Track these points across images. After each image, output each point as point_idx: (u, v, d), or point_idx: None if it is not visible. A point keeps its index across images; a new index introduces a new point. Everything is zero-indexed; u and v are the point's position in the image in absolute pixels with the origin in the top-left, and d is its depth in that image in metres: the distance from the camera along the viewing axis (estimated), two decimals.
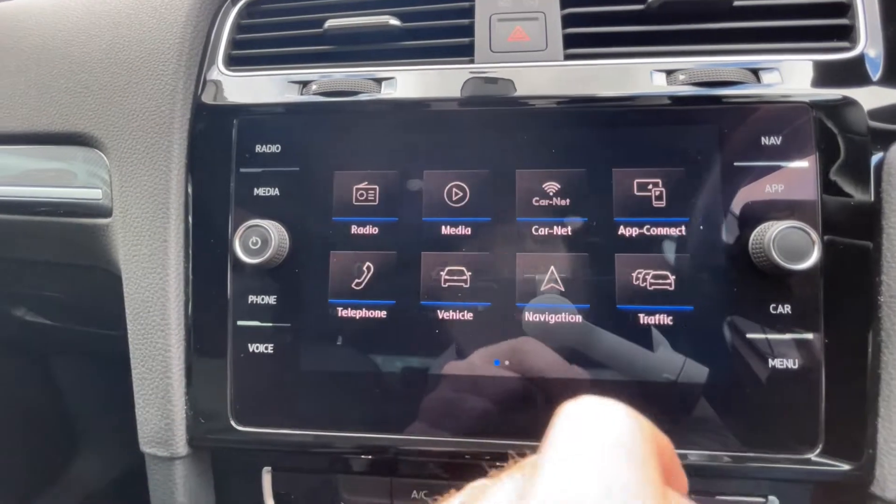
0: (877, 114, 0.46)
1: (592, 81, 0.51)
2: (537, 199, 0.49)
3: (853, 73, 0.48)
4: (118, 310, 0.56)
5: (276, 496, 0.56)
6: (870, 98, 0.47)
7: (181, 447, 0.53)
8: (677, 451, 0.45)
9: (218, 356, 0.52)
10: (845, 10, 0.51)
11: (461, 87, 0.52)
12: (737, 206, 0.47)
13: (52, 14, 0.65)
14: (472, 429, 0.48)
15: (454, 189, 0.50)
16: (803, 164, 0.47)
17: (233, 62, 0.59)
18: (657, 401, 0.46)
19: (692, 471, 0.46)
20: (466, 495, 0.26)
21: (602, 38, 0.53)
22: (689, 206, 0.47)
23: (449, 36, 0.55)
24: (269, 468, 0.56)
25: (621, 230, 0.48)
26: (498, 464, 0.28)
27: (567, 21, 0.54)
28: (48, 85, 0.61)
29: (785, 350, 0.45)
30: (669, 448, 0.27)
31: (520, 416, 0.48)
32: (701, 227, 0.47)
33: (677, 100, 0.49)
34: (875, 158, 0.46)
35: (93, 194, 0.59)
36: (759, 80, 0.49)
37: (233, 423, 0.52)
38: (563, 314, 0.48)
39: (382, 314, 0.50)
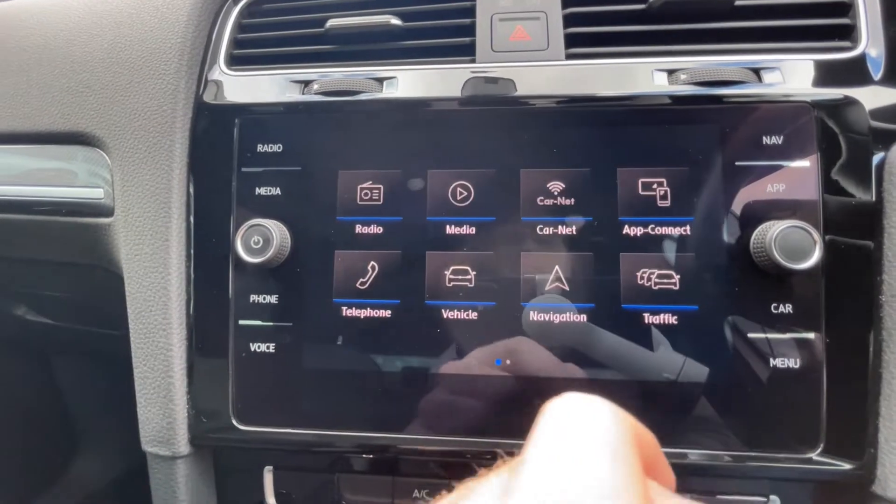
0: (878, 113, 0.47)
1: (594, 81, 0.51)
2: (542, 198, 0.49)
3: (854, 72, 0.48)
4: (119, 309, 0.56)
5: (277, 495, 0.56)
6: (871, 98, 0.47)
7: (183, 446, 0.53)
8: (678, 451, 0.46)
9: (219, 355, 0.52)
10: (846, 9, 0.51)
11: (462, 87, 0.52)
12: (738, 205, 0.47)
13: (54, 13, 0.65)
14: (475, 428, 0.48)
15: (458, 188, 0.50)
16: (805, 164, 0.47)
17: (234, 62, 0.59)
18: (658, 400, 0.46)
19: (693, 470, 0.47)
20: (456, 495, 0.26)
21: (603, 37, 0.53)
22: (693, 205, 0.47)
23: (450, 35, 0.55)
24: (271, 467, 0.56)
25: (626, 230, 0.48)
26: (488, 463, 0.29)
27: (568, 20, 0.54)
28: (50, 84, 0.61)
29: (786, 349, 0.45)
30: (653, 443, 0.28)
31: (522, 416, 0.48)
32: (704, 227, 0.47)
33: (679, 99, 0.49)
34: (876, 158, 0.46)
35: (94, 194, 0.59)
36: (760, 79, 0.49)
37: (234, 422, 0.52)
38: (565, 313, 0.48)
39: (387, 314, 0.50)
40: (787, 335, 0.45)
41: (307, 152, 0.53)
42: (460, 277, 0.49)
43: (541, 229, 0.49)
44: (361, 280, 0.50)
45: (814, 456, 0.45)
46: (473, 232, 0.50)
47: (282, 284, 0.52)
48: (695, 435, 0.46)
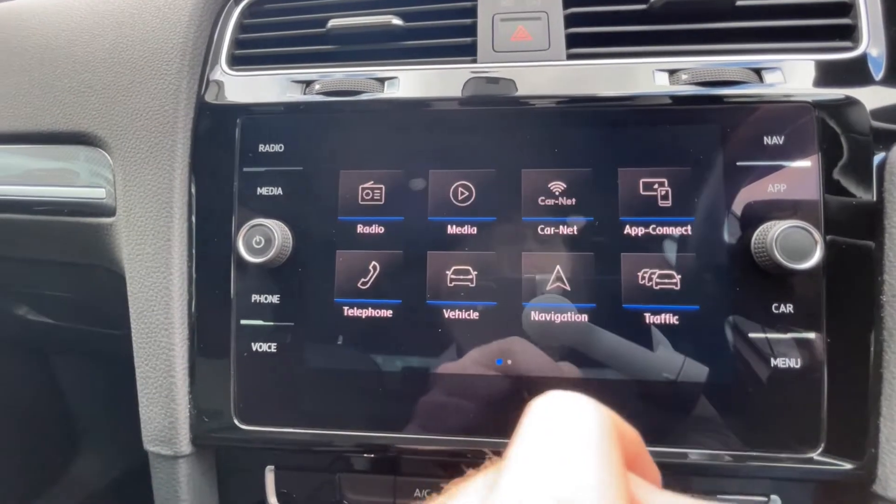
0: (879, 113, 0.47)
1: (595, 81, 0.51)
2: (543, 198, 0.49)
3: (856, 72, 0.48)
4: (121, 309, 0.56)
5: (279, 495, 0.56)
6: (872, 98, 0.47)
7: (185, 446, 0.53)
8: (679, 451, 0.46)
9: (221, 355, 0.52)
10: (848, 9, 0.51)
11: (463, 87, 0.52)
12: (739, 205, 0.47)
13: (56, 13, 0.65)
14: (475, 428, 0.48)
15: (460, 188, 0.50)
16: (806, 164, 0.47)
17: (236, 62, 0.59)
18: (659, 400, 0.46)
19: (694, 470, 0.47)
20: (445, 496, 0.27)
21: (604, 37, 0.53)
22: (694, 205, 0.48)
23: (451, 35, 0.55)
24: (273, 467, 0.56)
25: (627, 230, 0.48)
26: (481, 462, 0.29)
27: (569, 21, 0.54)
28: (52, 84, 0.61)
29: (787, 349, 0.45)
30: (636, 440, 0.28)
31: (522, 415, 0.48)
32: (705, 227, 0.47)
33: (680, 99, 0.49)
34: (877, 158, 0.46)
35: (96, 193, 0.59)
36: (761, 79, 0.49)
37: (236, 421, 0.52)
38: (566, 313, 0.48)
39: (388, 313, 0.50)
40: (788, 335, 0.45)
41: (309, 152, 0.53)
42: (461, 277, 0.49)
43: (542, 229, 0.49)
44: (363, 280, 0.51)
45: (814, 456, 0.45)
46: (475, 232, 0.50)
47: (283, 284, 0.52)
48: (695, 435, 0.46)
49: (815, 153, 0.47)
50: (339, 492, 0.55)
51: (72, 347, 1.15)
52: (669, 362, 0.46)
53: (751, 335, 0.46)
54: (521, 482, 0.23)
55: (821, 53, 0.49)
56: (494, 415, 0.48)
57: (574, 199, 0.49)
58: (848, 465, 0.45)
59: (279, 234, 0.50)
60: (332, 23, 0.56)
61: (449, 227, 0.50)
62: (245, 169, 0.54)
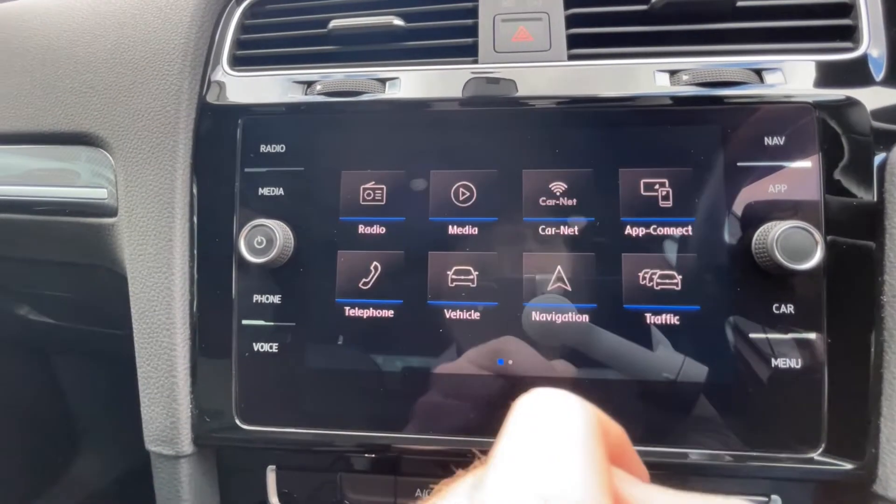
0: (880, 114, 0.47)
1: (596, 82, 0.51)
2: (544, 198, 0.49)
3: (856, 73, 0.48)
4: (122, 309, 0.56)
5: (280, 495, 0.56)
6: (873, 98, 0.47)
7: (186, 446, 0.53)
8: (680, 451, 0.46)
9: (223, 355, 0.53)
10: (848, 10, 0.51)
11: (464, 88, 0.52)
12: (740, 206, 0.47)
13: (57, 14, 0.65)
14: (476, 428, 0.48)
15: (461, 189, 0.51)
16: (806, 165, 0.47)
17: (237, 62, 0.59)
18: (660, 400, 0.47)
19: (694, 470, 0.47)
20: (434, 496, 0.27)
21: (606, 38, 0.53)
22: (695, 205, 0.48)
23: (453, 36, 0.55)
24: (274, 467, 0.56)
25: (628, 230, 0.48)
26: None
27: (571, 21, 0.54)
28: (53, 85, 0.61)
29: (788, 349, 0.45)
30: (622, 437, 0.28)
31: None
32: (706, 227, 0.47)
33: (680, 100, 0.49)
34: (878, 159, 0.46)
35: (98, 194, 0.59)
36: (762, 80, 0.49)
37: (238, 421, 0.52)
38: (566, 313, 0.48)
39: (390, 314, 0.50)
40: (789, 335, 0.46)
41: (310, 153, 0.53)
42: (463, 278, 0.49)
43: (543, 229, 0.49)
44: (364, 280, 0.51)
45: (815, 456, 0.45)
46: (476, 232, 0.50)
47: (285, 284, 0.52)
48: (696, 435, 0.46)
49: (816, 154, 0.47)
50: (341, 492, 0.55)
51: (72, 347, 1.16)
52: (670, 362, 0.46)
53: (751, 335, 0.46)
54: (506, 480, 0.23)
55: (821, 54, 0.49)
56: (494, 414, 0.48)
57: (575, 200, 0.49)
58: (848, 465, 0.45)
59: (280, 234, 0.50)
60: (333, 23, 0.56)
61: (450, 227, 0.50)
62: (246, 169, 0.54)
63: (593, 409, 0.26)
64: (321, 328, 0.51)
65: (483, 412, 0.48)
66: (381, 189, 0.52)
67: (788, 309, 0.46)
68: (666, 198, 0.48)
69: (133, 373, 0.55)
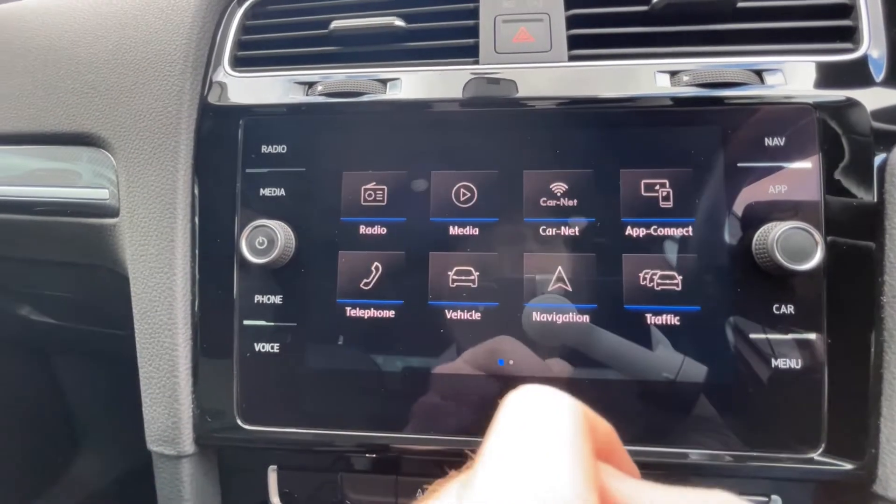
0: (880, 115, 0.47)
1: (596, 82, 0.51)
2: (545, 199, 0.49)
3: (856, 74, 0.48)
4: (124, 309, 0.57)
5: (281, 495, 0.56)
6: (873, 99, 0.47)
7: (188, 445, 0.54)
8: (680, 451, 0.46)
9: (224, 355, 0.53)
10: (848, 11, 0.51)
11: (465, 88, 0.53)
12: (740, 206, 0.47)
13: (59, 15, 0.65)
14: (476, 428, 0.49)
15: (462, 189, 0.51)
16: (806, 165, 0.47)
17: (239, 63, 0.59)
18: (660, 400, 0.47)
19: (694, 470, 0.47)
20: (426, 497, 0.27)
21: (606, 39, 0.53)
22: (696, 206, 0.48)
23: (454, 37, 0.55)
24: (275, 467, 0.56)
25: (628, 231, 0.48)
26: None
27: (571, 22, 0.54)
28: (55, 85, 0.61)
29: (788, 350, 0.46)
30: (609, 433, 0.28)
31: None
32: (706, 228, 0.47)
33: (681, 101, 0.49)
34: (878, 159, 0.46)
35: (100, 194, 0.59)
36: (762, 81, 0.49)
37: (239, 421, 0.52)
38: (567, 314, 0.48)
39: (391, 314, 0.50)
40: (789, 336, 0.46)
41: (311, 153, 0.53)
42: (463, 278, 0.49)
43: (544, 230, 0.49)
44: (365, 281, 0.51)
45: (815, 456, 0.45)
46: (477, 233, 0.50)
47: (286, 285, 0.52)
48: (696, 435, 0.46)
49: (816, 154, 0.47)
50: (342, 492, 0.55)
51: (73, 347, 1.16)
52: (670, 362, 0.47)
53: (752, 336, 0.46)
54: (494, 480, 0.23)
55: (822, 55, 0.49)
56: (494, 414, 0.48)
57: (576, 201, 0.49)
58: (848, 466, 0.45)
59: (282, 234, 0.50)
60: (334, 24, 0.56)
61: (451, 227, 0.50)
62: (248, 170, 0.54)
63: (581, 406, 0.26)
64: (322, 328, 0.51)
65: (484, 412, 0.48)
66: (382, 190, 0.52)
67: (788, 309, 0.46)
68: (666, 198, 0.48)
69: (133, 373, 0.55)
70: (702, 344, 0.46)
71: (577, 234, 0.49)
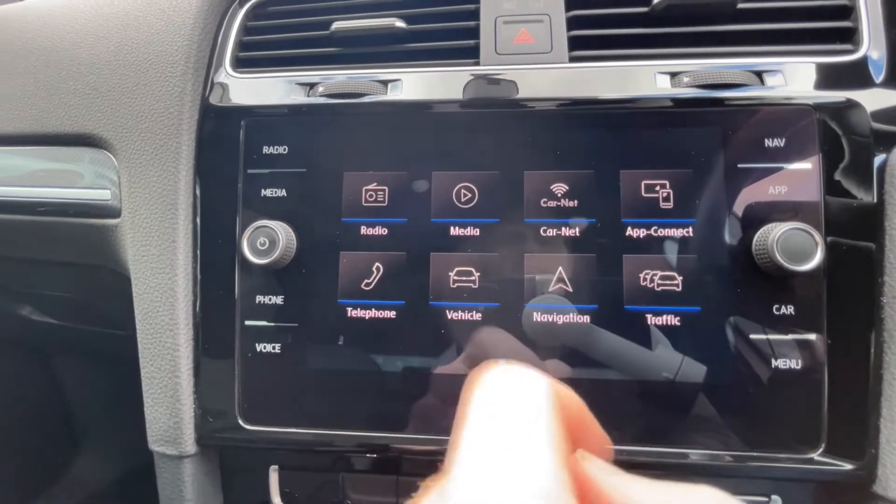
0: (880, 116, 0.47)
1: (597, 83, 0.51)
2: (545, 200, 0.50)
3: (856, 75, 0.48)
4: (125, 310, 0.57)
5: (283, 495, 0.56)
6: (873, 100, 0.47)
7: (190, 445, 0.54)
8: (680, 451, 0.46)
9: (226, 356, 0.53)
10: (848, 12, 0.51)
11: (466, 89, 0.53)
12: (740, 207, 0.47)
13: (61, 16, 0.65)
14: None
15: (463, 190, 0.51)
16: (806, 166, 0.47)
17: (240, 64, 0.59)
18: (660, 401, 0.47)
19: (695, 470, 0.47)
20: (418, 494, 0.27)
21: (607, 40, 0.53)
22: (696, 207, 0.48)
23: (454, 38, 0.56)
24: (277, 467, 0.56)
25: (629, 231, 0.48)
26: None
27: (572, 23, 0.54)
28: (57, 87, 0.62)
29: (788, 350, 0.46)
30: (582, 410, 0.28)
31: None
32: (707, 229, 0.47)
33: (681, 102, 0.50)
34: (878, 160, 0.46)
35: (101, 195, 0.59)
36: (762, 82, 0.49)
37: (240, 421, 0.52)
38: (567, 314, 0.48)
39: (392, 314, 0.50)
40: (789, 336, 0.46)
41: (312, 154, 0.53)
42: (464, 279, 0.50)
43: (544, 231, 0.49)
44: (366, 281, 0.51)
45: (815, 456, 0.45)
46: (477, 233, 0.50)
47: (287, 285, 0.52)
48: (697, 435, 0.46)
49: (816, 155, 0.47)
50: (343, 492, 0.56)
51: (73, 347, 1.16)
52: (670, 362, 0.47)
53: (752, 336, 0.46)
54: (471, 488, 0.22)
55: (822, 56, 0.49)
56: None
57: (576, 201, 0.49)
58: (848, 466, 0.45)
59: (283, 235, 0.50)
60: (335, 25, 0.56)
61: (452, 228, 0.50)
62: (249, 171, 0.54)
63: (551, 385, 0.26)
64: (323, 329, 0.51)
65: None
66: (383, 190, 0.52)
67: (789, 310, 0.46)
68: (667, 199, 0.48)
69: (134, 373, 0.56)
70: (702, 344, 0.47)
71: (577, 234, 0.49)
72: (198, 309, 0.54)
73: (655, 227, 0.48)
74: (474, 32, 0.55)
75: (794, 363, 0.45)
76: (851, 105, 0.47)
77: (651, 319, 0.47)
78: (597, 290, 0.48)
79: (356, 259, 0.51)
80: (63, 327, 0.97)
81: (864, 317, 0.46)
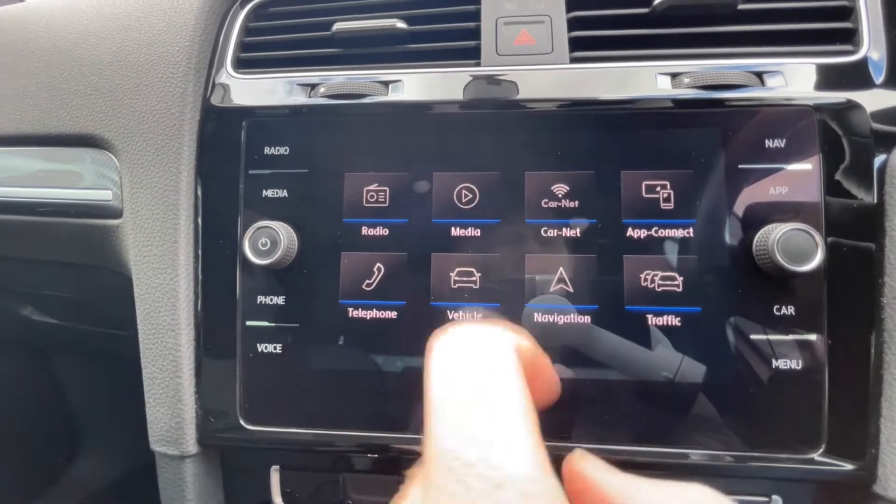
0: (880, 116, 0.47)
1: (598, 84, 0.51)
2: (546, 200, 0.50)
3: (857, 76, 0.48)
4: (126, 310, 0.57)
5: (284, 495, 0.56)
6: (873, 101, 0.47)
7: (191, 446, 0.54)
8: (681, 451, 0.46)
9: (227, 356, 0.53)
10: (848, 13, 0.51)
11: (466, 90, 0.53)
12: (741, 207, 0.47)
13: (62, 17, 0.65)
14: None
15: (463, 191, 0.51)
16: (807, 167, 0.47)
17: (241, 65, 0.59)
18: (661, 401, 0.47)
19: (695, 470, 0.47)
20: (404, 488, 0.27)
21: (607, 41, 0.53)
22: (696, 207, 0.48)
23: (455, 39, 0.56)
24: (278, 467, 0.56)
25: (629, 232, 0.48)
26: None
27: (572, 24, 0.54)
28: (58, 87, 0.62)
29: (788, 350, 0.46)
30: (535, 352, 0.29)
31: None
32: (707, 229, 0.48)
33: (682, 103, 0.50)
34: (878, 161, 0.46)
35: (103, 195, 0.60)
36: (763, 83, 0.49)
37: (242, 422, 0.52)
38: (568, 314, 0.48)
39: (393, 315, 0.50)
40: (790, 336, 0.46)
41: (314, 155, 0.53)
42: (465, 279, 0.50)
43: (545, 231, 0.49)
44: (367, 281, 0.51)
45: (815, 456, 0.45)
46: (478, 234, 0.50)
47: (289, 286, 0.52)
48: (697, 435, 0.47)
49: (817, 156, 0.47)
50: (344, 492, 0.56)
51: (74, 348, 1.16)
52: (670, 362, 0.47)
53: (752, 336, 0.46)
54: (451, 483, 0.22)
55: (822, 57, 0.50)
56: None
57: (577, 202, 0.49)
58: (849, 466, 0.45)
59: (284, 235, 0.50)
60: (336, 26, 0.56)
61: (453, 229, 0.50)
62: (251, 171, 0.54)
63: (511, 341, 0.26)
64: (325, 329, 0.51)
65: None
66: (385, 191, 0.52)
67: (789, 310, 0.46)
68: (667, 200, 0.48)
69: (134, 373, 0.56)
70: (703, 344, 0.47)
71: (578, 235, 0.49)
72: (199, 309, 0.54)
73: (656, 228, 0.48)
74: (475, 33, 0.56)
75: (795, 363, 0.46)
76: (852, 106, 0.47)
77: (652, 320, 0.47)
78: (597, 291, 0.48)
79: (357, 259, 0.51)
80: (64, 327, 0.97)
81: (865, 317, 0.46)
